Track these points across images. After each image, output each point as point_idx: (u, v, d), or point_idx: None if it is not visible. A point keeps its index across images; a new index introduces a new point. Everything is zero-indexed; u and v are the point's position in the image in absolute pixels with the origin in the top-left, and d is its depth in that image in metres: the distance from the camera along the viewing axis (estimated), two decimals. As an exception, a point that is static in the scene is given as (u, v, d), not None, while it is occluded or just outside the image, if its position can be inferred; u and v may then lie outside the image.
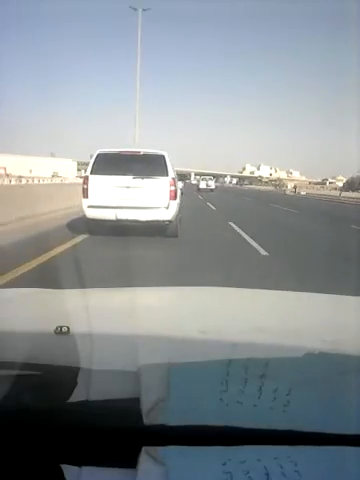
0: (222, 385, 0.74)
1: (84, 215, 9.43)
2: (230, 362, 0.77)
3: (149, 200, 9.24)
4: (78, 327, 0.99)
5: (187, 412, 0.71)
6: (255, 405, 0.72)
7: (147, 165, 9.42)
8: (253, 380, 0.75)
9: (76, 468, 0.69)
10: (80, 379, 0.79)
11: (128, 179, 9.23)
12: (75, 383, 0.78)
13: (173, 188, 9.35)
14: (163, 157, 9.53)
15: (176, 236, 9.54)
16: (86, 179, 9.43)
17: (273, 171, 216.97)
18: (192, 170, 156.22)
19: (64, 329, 0.97)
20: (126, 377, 0.79)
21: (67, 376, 0.79)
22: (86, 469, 0.69)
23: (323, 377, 0.77)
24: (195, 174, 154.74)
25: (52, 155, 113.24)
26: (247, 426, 0.70)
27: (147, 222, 9.24)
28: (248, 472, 0.63)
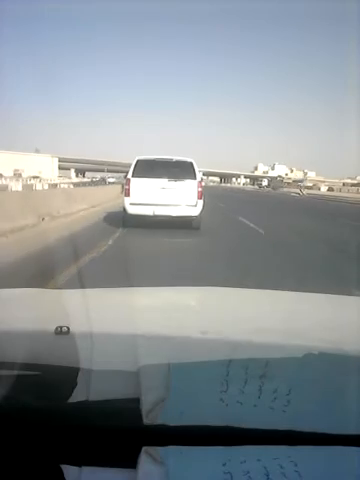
0: (222, 385, 0.74)
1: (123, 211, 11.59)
2: (230, 362, 0.77)
3: (181, 199, 11.28)
4: (78, 327, 0.99)
5: (187, 412, 0.71)
6: (255, 405, 0.72)
7: (178, 170, 11.55)
8: (253, 380, 0.75)
9: (76, 468, 0.69)
10: (80, 379, 0.79)
11: (164, 181, 11.28)
12: (75, 383, 0.78)
13: (200, 189, 11.46)
14: (191, 163, 11.78)
15: (199, 229, 11.37)
16: (128, 181, 11.45)
17: (289, 171, 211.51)
18: (200, 169, 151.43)
19: (64, 329, 0.97)
20: (126, 377, 0.79)
21: (67, 376, 0.80)
22: (86, 469, 0.70)
23: (323, 377, 0.77)
24: (203, 174, 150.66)
25: (37, 151, 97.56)
26: (247, 426, 0.70)
27: (178, 217, 11.25)
28: (248, 472, 0.63)
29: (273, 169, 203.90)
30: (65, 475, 0.67)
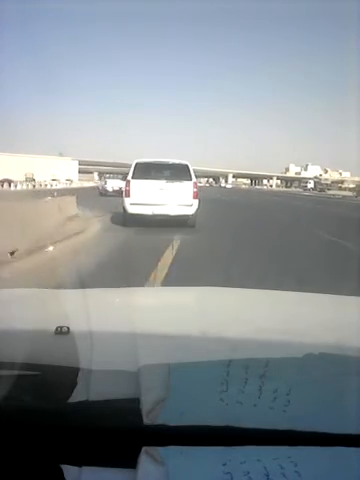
0: (222, 385, 0.74)
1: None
2: (230, 362, 0.77)
3: (177, 199, 12.04)
4: (78, 327, 1.00)
5: (187, 412, 0.71)
6: (255, 405, 0.72)
7: (175, 172, 12.41)
8: (253, 380, 0.74)
9: (76, 468, 0.69)
10: (80, 379, 0.79)
11: (162, 183, 12.09)
12: (75, 383, 0.78)
13: (195, 190, 12.30)
14: (187, 166, 12.64)
15: (194, 226, 12.09)
16: (128, 182, 12.25)
17: (323, 172, 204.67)
18: (230, 171, 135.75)
19: (64, 329, 0.97)
20: (126, 377, 0.79)
21: (67, 376, 0.80)
22: (86, 469, 0.69)
23: (323, 377, 0.77)
24: (233, 176, 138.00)
25: (60, 155, 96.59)
26: (247, 426, 0.70)
27: (175, 216, 11.99)
28: (248, 472, 0.63)
29: (306, 170, 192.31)
30: (65, 475, 0.67)
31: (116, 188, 34.90)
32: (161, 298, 1.80)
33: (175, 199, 12.04)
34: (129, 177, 12.32)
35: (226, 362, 0.77)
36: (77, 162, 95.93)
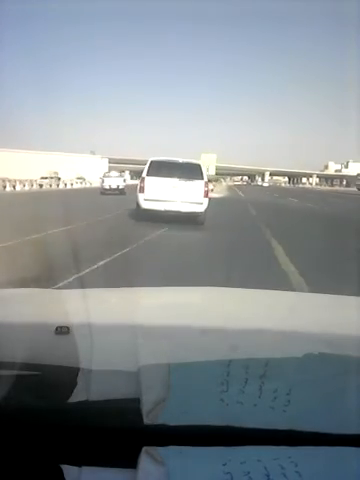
0: (222, 385, 0.74)
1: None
2: (230, 362, 0.78)
3: (189, 197, 12.67)
4: (78, 327, 1.00)
5: (187, 412, 0.71)
6: (255, 405, 0.72)
7: (187, 171, 12.92)
8: (253, 380, 0.74)
9: (76, 468, 0.69)
10: (80, 379, 0.79)
11: (174, 181, 12.75)
12: (75, 383, 0.78)
13: (206, 189, 12.95)
14: (199, 165, 13.45)
15: (203, 224, 12.62)
16: (143, 179, 12.93)
17: None
18: (266, 169, 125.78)
19: (64, 329, 0.98)
20: (126, 377, 0.79)
21: (67, 376, 0.80)
22: (86, 469, 0.70)
23: (323, 377, 0.77)
24: (270, 174, 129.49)
25: (92, 153, 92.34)
26: (247, 426, 0.70)
27: (186, 213, 12.67)
28: (248, 473, 0.63)
29: (347, 167, 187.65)
30: (65, 475, 0.68)
31: (114, 186, 31.79)
32: (161, 298, 1.80)
33: (187, 197, 12.67)
34: (144, 174, 12.99)
35: (226, 362, 0.77)
36: (107, 160, 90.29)
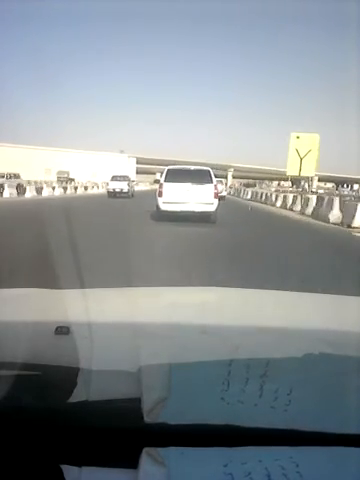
0: (223, 384, 0.74)
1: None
2: (231, 362, 0.78)
3: (201, 198, 14.98)
4: (78, 327, 0.99)
5: (188, 411, 0.71)
6: (256, 404, 0.72)
7: (199, 176, 15.45)
8: (254, 380, 0.75)
9: (76, 468, 0.69)
10: (80, 379, 0.79)
11: (188, 185, 15.07)
12: (75, 383, 0.78)
13: (215, 191, 15.36)
14: (209, 171, 15.87)
15: (215, 222, 14.89)
16: (161, 185, 15.38)
17: None
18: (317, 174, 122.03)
19: (64, 329, 0.97)
20: (126, 377, 0.79)
21: (67, 376, 0.80)
22: (86, 469, 0.69)
23: (323, 377, 0.77)
24: (319, 179, 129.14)
25: (121, 152, 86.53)
26: (248, 425, 0.70)
27: (199, 213, 14.99)
28: (249, 473, 0.63)
29: None
30: (65, 475, 0.67)
31: (118, 190, 36.11)
32: (161, 298, 1.80)
33: (199, 198, 14.97)
34: (162, 181, 15.51)
35: (227, 362, 0.77)
36: (135, 160, 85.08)
